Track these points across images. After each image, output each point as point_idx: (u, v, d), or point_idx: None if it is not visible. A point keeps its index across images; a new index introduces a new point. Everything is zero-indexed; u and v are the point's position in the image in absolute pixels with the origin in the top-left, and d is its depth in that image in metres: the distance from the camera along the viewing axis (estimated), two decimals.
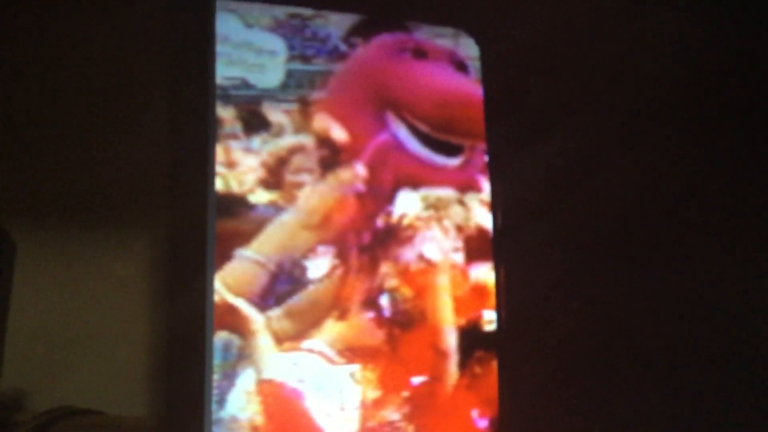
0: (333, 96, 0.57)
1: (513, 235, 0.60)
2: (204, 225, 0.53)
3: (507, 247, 0.60)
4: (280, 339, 0.54)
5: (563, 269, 0.63)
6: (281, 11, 0.57)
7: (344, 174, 0.57)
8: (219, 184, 0.54)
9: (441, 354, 0.58)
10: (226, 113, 0.55)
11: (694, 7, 0.70)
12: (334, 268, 0.56)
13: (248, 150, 0.55)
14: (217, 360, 0.52)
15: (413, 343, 0.57)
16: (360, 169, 0.57)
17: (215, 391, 0.52)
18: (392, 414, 0.56)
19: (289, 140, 0.56)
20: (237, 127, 0.55)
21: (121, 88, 0.75)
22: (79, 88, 0.75)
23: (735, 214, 0.68)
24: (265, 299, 0.54)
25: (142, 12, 0.73)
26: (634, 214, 0.66)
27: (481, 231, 0.60)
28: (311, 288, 0.55)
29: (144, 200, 0.73)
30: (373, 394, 0.56)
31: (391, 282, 0.57)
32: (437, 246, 0.59)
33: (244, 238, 0.54)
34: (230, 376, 0.52)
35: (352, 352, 0.56)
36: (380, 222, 0.58)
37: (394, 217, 0.58)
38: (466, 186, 0.60)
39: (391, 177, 0.58)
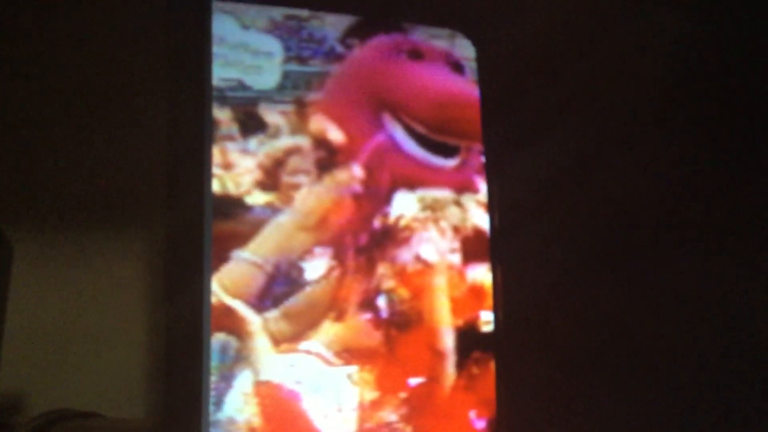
0: (329, 97, 0.57)
1: (510, 236, 0.61)
2: (201, 226, 0.53)
3: (504, 247, 0.60)
4: (277, 340, 0.54)
5: (560, 270, 0.63)
6: (278, 13, 0.57)
7: (341, 175, 0.57)
8: (216, 186, 0.54)
9: (438, 355, 0.58)
10: (222, 115, 0.55)
11: (693, 7, 0.69)
12: (331, 269, 0.56)
13: (245, 151, 0.55)
14: (214, 361, 0.52)
15: (410, 344, 0.57)
16: (357, 171, 0.57)
17: (213, 393, 0.52)
18: (390, 415, 0.56)
19: (285, 142, 0.56)
20: (233, 128, 0.55)
21: (118, 91, 0.75)
22: (77, 90, 0.75)
23: (734, 214, 0.68)
24: (262, 301, 0.54)
25: (139, 14, 0.74)
26: (632, 215, 0.66)
27: (477, 232, 0.60)
28: (308, 289, 0.55)
29: (141, 202, 0.74)
30: (370, 395, 0.56)
31: (388, 283, 0.57)
32: (434, 247, 0.59)
33: (241, 239, 0.54)
34: (228, 378, 0.52)
35: (349, 354, 0.56)
36: (377, 223, 0.58)
37: (391, 218, 0.58)
38: (463, 187, 0.60)
39: (387, 178, 0.58)
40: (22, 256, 0.64)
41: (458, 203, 0.60)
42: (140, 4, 0.74)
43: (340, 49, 0.58)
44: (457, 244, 0.60)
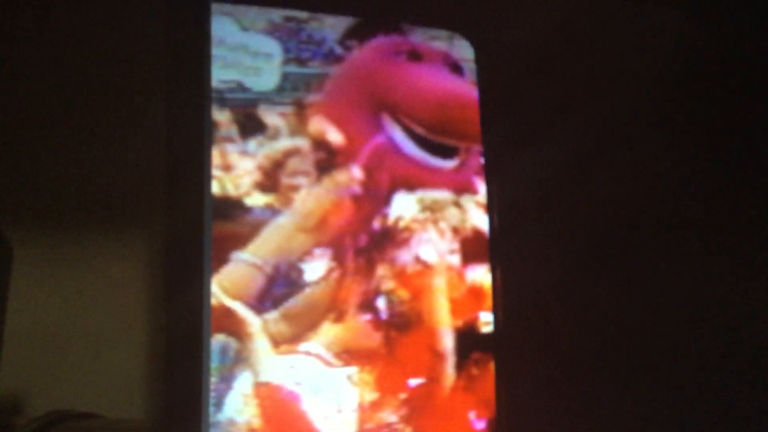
0: (329, 99, 0.57)
1: (509, 237, 0.61)
2: (200, 228, 0.53)
3: (503, 248, 0.60)
4: (277, 342, 0.54)
5: (560, 270, 0.63)
6: (277, 14, 0.57)
7: (340, 176, 0.57)
8: (215, 187, 0.54)
9: (438, 356, 0.58)
10: (221, 116, 0.55)
11: (693, 7, 0.69)
12: (330, 270, 0.56)
13: (244, 153, 0.55)
14: (214, 363, 0.52)
15: (410, 345, 0.57)
16: (356, 172, 0.57)
17: (213, 394, 0.52)
18: (390, 416, 0.56)
19: (284, 143, 0.56)
20: (233, 130, 0.55)
21: (118, 91, 0.75)
22: (77, 90, 0.75)
23: (734, 214, 0.68)
24: (261, 302, 0.54)
25: (139, 14, 0.73)
26: (631, 215, 0.66)
27: (477, 233, 0.60)
28: (308, 291, 0.55)
29: (141, 202, 0.74)
30: (370, 396, 0.56)
31: (388, 284, 0.57)
32: (433, 248, 0.59)
33: (241, 241, 0.54)
34: (227, 379, 0.53)
35: (349, 355, 0.56)
36: (376, 224, 0.58)
37: (391, 220, 0.58)
38: (462, 188, 0.60)
39: (387, 179, 0.58)
40: (22, 256, 0.64)
41: (457, 204, 0.60)
42: (140, 4, 0.74)
43: (339, 50, 0.58)
44: (456, 245, 0.60)
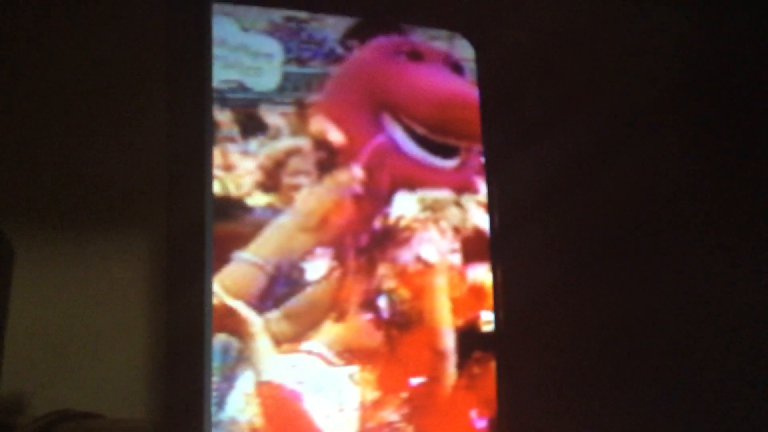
0: (329, 98, 0.57)
1: (510, 236, 0.61)
2: (202, 228, 0.53)
3: (504, 248, 0.60)
4: (278, 341, 0.54)
5: (560, 270, 0.63)
6: (277, 14, 0.57)
7: (341, 176, 0.57)
8: (216, 187, 0.54)
9: (439, 355, 0.58)
10: (223, 116, 0.55)
11: (693, 7, 0.69)
12: (331, 270, 0.56)
13: (245, 153, 0.55)
14: (216, 362, 0.52)
15: (411, 344, 0.57)
16: (357, 172, 0.57)
17: (215, 393, 0.52)
18: (391, 415, 0.56)
19: (286, 143, 0.56)
20: (234, 130, 0.55)
21: (118, 91, 0.75)
22: (77, 90, 0.75)
23: (734, 214, 0.68)
24: (263, 301, 0.54)
25: (139, 15, 0.73)
26: (632, 215, 0.66)
27: (477, 232, 0.60)
28: (309, 290, 0.55)
29: (141, 202, 0.74)
30: (372, 395, 0.56)
31: (389, 283, 0.57)
32: (434, 247, 0.59)
33: (242, 240, 0.54)
34: (229, 378, 0.53)
35: (350, 354, 0.56)
36: (377, 224, 0.58)
37: (392, 219, 0.58)
38: (463, 187, 0.60)
39: (387, 179, 0.58)
40: (23, 256, 0.64)
41: (458, 204, 0.60)
42: (140, 4, 0.74)
43: (339, 50, 0.58)
44: (457, 245, 0.60)
